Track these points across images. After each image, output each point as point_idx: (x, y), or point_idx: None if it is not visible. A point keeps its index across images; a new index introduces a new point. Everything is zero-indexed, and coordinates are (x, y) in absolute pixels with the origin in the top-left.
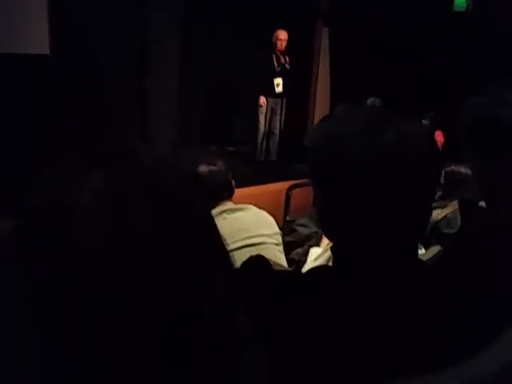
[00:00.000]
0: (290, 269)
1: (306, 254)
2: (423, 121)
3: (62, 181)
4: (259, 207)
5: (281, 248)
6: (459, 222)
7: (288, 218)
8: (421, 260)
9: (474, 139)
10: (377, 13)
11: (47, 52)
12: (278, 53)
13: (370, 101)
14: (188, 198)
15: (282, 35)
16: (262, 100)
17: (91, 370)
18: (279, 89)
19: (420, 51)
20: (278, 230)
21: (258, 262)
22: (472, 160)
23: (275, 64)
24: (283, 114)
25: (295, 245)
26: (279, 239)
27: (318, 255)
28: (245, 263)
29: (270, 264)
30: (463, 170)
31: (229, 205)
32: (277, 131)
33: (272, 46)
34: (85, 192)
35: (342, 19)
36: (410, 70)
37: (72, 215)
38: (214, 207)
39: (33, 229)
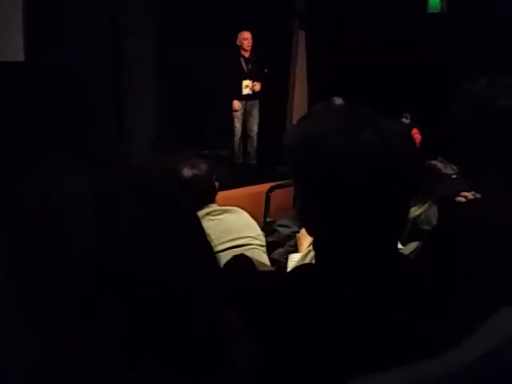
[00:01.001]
0: (273, 268)
1: (288, 253)
2: (402, 119)
3: (49, 181)
4: (241, 209)
5: (264, 249)
6: (437, 219)
7: (268, 219)
8: (402, 254)
9: (469, 129)
10: (352, 15)
11: (22, 59)
12: (244, 54)
13: (335, 101)
14: (175, 199)
15: (245, 34)
16: (237, 104)
17: (81, 370)
18: (247, 90)
19: (396, 51)
20: (260, 232)
21: (242, 262)
22: (464, 152)
23: (243, 66)
24: (256, 115)
25: (277, 245)
26: (263, 240)
27: (296, 261)
28: (229, 262)
29: (253, 263)
30: (439, 166)
31: (213, 207)
32: (253, 133)
33: (238, 48)
34: (72, 192)
35: (319, 22)
36: (386, 70)
37: (60, 215)
38: (199, 209)
39: (21, 229)
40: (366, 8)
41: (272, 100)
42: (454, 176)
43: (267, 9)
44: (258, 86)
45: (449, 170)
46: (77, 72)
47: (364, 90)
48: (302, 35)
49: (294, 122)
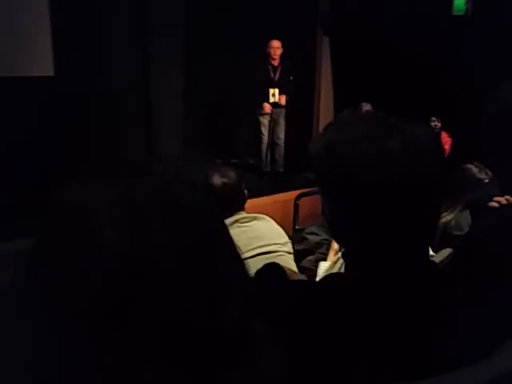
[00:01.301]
0: (304, 276)
1: (318, 261)
2: (432, 123)
3: (79, 194)
4: (269, 216)
5: (292, 256)
6: (469, 224)
7: (297, 227)
8: (433, 262)
9: (502, 131)
10: (377, 19)
11: (51, 73)
12: (273, 62)
13: (364, 107)
14: (202, 208)
15: (275, 43)
16: (268, 106)
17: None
18: (273, 98)
19: (422, 55)
20: (288, 239)
21: (274, 270)
22: (497, 156)
23: (271, 74)
24: (282, 123)
25: (306, 252)
26: (290, 248)
27: (326, 269)
28: (260, 270)
29: (284, 272)
30: (474, 171)
31: (242, 214)
32: (281, 141)
33: (267, 56)
34: (102, 205)
35: (343, 28)
36: (413, 75)
37: (91, 228)
38: (228, 217)
39: (52, 242)
40: (390, 11)
41: (299, 108)
42: (487, 180)
43: (290, 16)
44: (283, 100)
45: (483, 174)
46: (106, 82)
47: (390, 94)
48: (326, 42)
49: (321, 129)
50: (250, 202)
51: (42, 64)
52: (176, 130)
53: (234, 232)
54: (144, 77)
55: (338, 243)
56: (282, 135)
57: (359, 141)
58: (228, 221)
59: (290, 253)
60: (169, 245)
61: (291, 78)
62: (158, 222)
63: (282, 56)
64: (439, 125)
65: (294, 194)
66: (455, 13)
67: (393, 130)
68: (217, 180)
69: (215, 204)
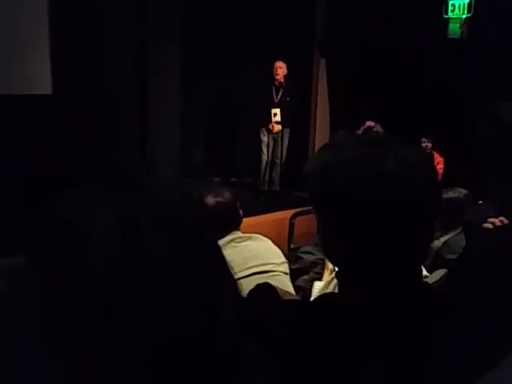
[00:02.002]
0: (297, 297)
1: (312, 280)
2: (423, 144)
3: (74, 207)
4: (264, 236)
5: (288, 277)
6: (462, 247)
7: (292, 246)
8: (427, 283)
9: (495, 153)
10: (372, 42)
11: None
12: (276, 83)
13: (373, 126)
14: (198, 226)
15: (279, 64)
16: (276, 127)
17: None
18: (276, 118)
19: (416, 77)
20: (284, 259)
21: (266, 290)
22: (491, 177)
23: (273, 94)
24: (285, 144)
25: (301, 272)
26: (287, 268)
27: (320, 289)
28: (252, 291)
29: (277, 292)
30: (457, 195)
31: (237, 234)
32: (279, 161)
33: (271, 77)
34: (98, 217)
35: (338, 49)
36: (407, 96)
37: (86, 240)
38: (222, 237)
39: (47, 255)
40: (385, 33)
41: (295, 127)
42: (480, 202)
43: (287, 38)
44: (276, 128)
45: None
46: (106, 84)
47: (386, 115)
48: (322, 63)
49: (317, 148)
50: (245, 221)
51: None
52: (174, 147)
53: (229, 252)
54: (142, 90)
55: (331, 263)
56: (280, 155)
57: (354, 161)
58: (223, 240)
59: (286, 273)
60: (161, 258)
61: (288, 98)
62: (150, 236)
63: (286, 77)
64: (430, 145)
65: (289, 212)
66: (450, 36)
67: (387, 150)
68: (210, 199)
69: (209, 222)
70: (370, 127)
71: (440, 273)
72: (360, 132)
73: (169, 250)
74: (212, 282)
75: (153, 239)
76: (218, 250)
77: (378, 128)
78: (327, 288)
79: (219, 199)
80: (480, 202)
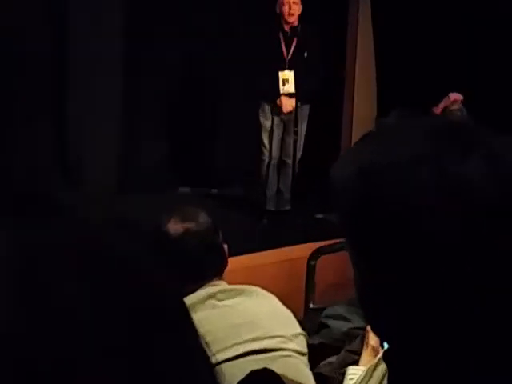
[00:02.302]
0: None
1: (345, 365)
2: None
3: None
4: (265, 288)
5: (305, 358)
6: None
7: (312, 306)
8: None
9: None
10: None
11: None
12: (287, 29)
13: (450, 106)
14: (146, 277)
15: None
16: (289, 103)
17: None
18: (287, 88)
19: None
20: (300, 330)
21: (265, 382)
22: None
23: (283, 47)
24: (302, 131)
25: (326, 350)
26: (303, 343)
27: (357, 380)
28: (242, 383)
29: None
30: None
31: (220, 285)
32: (290, 160)
33: (278, 19)
34: None
35: None
36: (494, 61)
37: None
38: (194, 290)
39: None
40: None
41: (319, 103)
42: None
43: None
44: (287, 105)
45: None
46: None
47: (466, 84)
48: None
49: (353, 143)
50: (235, 262)
51: None
52: (110, 150)
53: (205, 315)
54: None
55: (376, 335)
56: (292, 150)
57: (415, 164)
58: (195, 296)
59: (301, 353)
60: (80, 325)
61: (306, 54)
62: (63, 289)
63: (300, 18)
64: None
65: (307, 248)
66: None
67: (469, 146)
68: (175, 226)
69: (171, 269)
70: (455, 103)
71: None
72: (438, 111)
73: (91, 314)
74: (161, 377)
75: (63, 297)
76: (183, 317)
77: (457, 107)
78: (370, 378)
79: (189, 225)
80: None
